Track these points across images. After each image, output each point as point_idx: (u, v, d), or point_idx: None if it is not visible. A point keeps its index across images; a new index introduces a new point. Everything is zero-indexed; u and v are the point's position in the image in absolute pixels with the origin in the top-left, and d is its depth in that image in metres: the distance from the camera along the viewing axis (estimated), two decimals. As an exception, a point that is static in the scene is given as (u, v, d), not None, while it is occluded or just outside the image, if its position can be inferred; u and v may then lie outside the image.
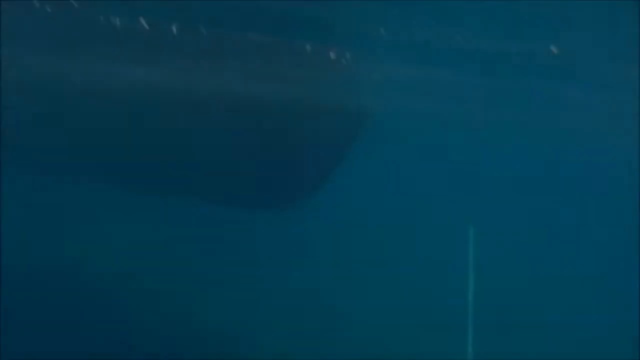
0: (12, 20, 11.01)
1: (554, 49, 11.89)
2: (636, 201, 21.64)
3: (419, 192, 23.45)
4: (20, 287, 12.98)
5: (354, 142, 13.32)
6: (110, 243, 16.26)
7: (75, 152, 12.86)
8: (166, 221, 16.99)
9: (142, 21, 11.46)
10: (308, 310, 15.33)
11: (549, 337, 15.41)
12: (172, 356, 12.82)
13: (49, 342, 12.16)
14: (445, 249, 15.55)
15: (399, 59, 13.52)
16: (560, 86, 14.40)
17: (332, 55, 13.24)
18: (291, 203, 13.92)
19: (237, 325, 14.02)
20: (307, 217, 14.84)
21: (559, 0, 9.53)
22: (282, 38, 12.09)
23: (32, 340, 11.96)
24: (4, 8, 10.63)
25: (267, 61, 12.64)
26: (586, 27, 10.79)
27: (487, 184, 23.75)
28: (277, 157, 12.99)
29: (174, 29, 11.63)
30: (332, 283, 16.58)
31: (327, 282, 16.63)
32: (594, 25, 10.75)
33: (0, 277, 12.65)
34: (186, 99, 12.48)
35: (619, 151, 19.12)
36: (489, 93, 15.49)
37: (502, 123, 18.48)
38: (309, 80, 13.20)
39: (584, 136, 19.62)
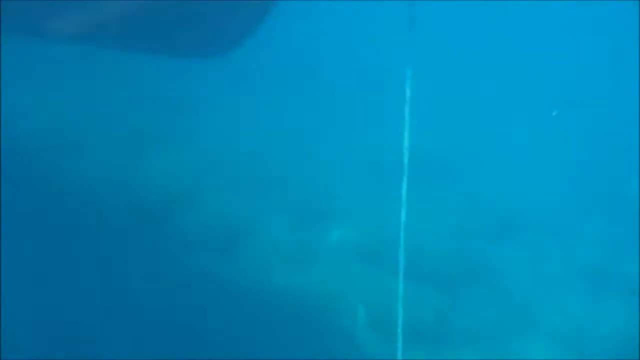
0: None
1: None
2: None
3: (358, 31, 22.83)
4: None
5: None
6: (38, 97, 15.65)
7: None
8: (92, 72, 16.29)
9: None
10: (242, 157, 15.06)
11: (485, 181, 15.49)
12: (108, 215, 12.51)
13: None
14: (381, 91, 15.30)
15: None
16: None
17: None
18: (221, 50, 13.40)
19: (174, 182, 13.66)
20: (238, 65, 14.31)
21: None
22: None
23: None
24: None
25: None
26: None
27: (429, 21, 23.05)
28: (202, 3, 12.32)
29: None
30: (266, 131, 16.31)
31: (262, 130, 16.36)
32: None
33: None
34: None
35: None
36: None
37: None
38: None
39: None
